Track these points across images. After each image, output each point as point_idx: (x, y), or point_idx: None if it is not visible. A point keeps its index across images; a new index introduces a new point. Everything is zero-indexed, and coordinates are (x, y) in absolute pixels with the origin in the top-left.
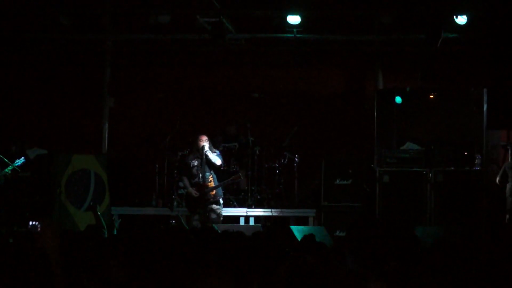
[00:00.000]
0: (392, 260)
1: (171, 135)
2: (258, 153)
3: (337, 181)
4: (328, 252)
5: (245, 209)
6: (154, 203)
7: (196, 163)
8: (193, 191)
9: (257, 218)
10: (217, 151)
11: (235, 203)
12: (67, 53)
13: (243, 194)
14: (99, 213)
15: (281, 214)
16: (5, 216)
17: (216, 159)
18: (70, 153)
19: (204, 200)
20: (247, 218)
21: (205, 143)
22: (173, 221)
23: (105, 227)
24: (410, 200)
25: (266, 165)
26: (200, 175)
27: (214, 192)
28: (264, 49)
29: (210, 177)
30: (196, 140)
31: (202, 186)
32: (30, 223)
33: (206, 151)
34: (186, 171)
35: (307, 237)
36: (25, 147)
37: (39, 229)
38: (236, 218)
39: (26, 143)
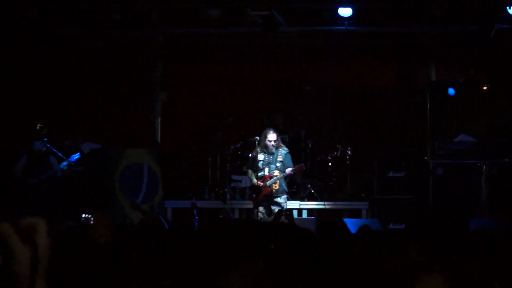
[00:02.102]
0: (455, 252)
1: (223, 129)
2: (310, 146)
3: (390, 174)
4: (387, 241)
5: (298, 202)
6: (207, 196)
7: (263, 157)
8: (257, 183)
9: (310, 211)
10: (285, 148)
11: (288, 196)
12: (119, 49)
13: (296, 187)
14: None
15: (334, 207)
16: (59, 211)
17: (289, 166)
18: (123, 148)
19: (268, 191)
20: (300, 211)
21: (276, 138)
22: (221, 215)
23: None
24: (464, 193)
25: (318, 158)
26: (266, 169)
27: (277, 184)
28: (315, 42)
29: (276, 171)
30: (264, 137)
31: (267, 178)
32: (83, 216)
33: (280, 155)
34: (252, 164)
35: (363, 228)
36: (79, 142)
37: (91, 222)
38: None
39: (79, 137)
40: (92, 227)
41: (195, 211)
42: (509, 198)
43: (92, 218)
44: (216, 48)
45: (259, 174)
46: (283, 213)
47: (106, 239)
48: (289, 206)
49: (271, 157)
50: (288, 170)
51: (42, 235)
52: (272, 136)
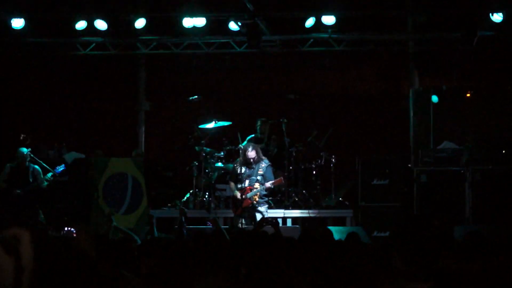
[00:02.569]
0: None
1: (207, 138)
2: (294, 154)
3: (374, 181)
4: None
5: (282, 210)
6: (191, 205)
7: (243, 170)
8: (238, 194)
9: (294, 219)
10: (266, 161)
11: (272, 204)
12: (103, 58)
13: (280, 195)
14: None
15: (318, 215)
16: (43, 221)
17: (270, 179)
18: (107, 157)
19: (248, 203)
20: (284, 219)
21: (254, 155)
22: (209, 223)
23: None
24: (448, 200)
25: (302, 166)
26: (247, 181)
27: (257, 196)
28: (299, 50)
29: (256, 183)
30: (246, 151)
31: (247, 190)
32: (65, 228)
33: (261, 169)
34: (233, 176)
35: (351, 235)
36: (63, 152)
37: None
38: None
39: (63, 147)
40: (74, 239)
41: (183, 218)
42: (493, 204)
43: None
44: (199, 57)
45: (239, 186)
46: (270, 220)
47: (90, 252)
48: (273, 215)
49: (252, 170)
50: (268, 184)
51: (26, 246)
52: (251, 154)
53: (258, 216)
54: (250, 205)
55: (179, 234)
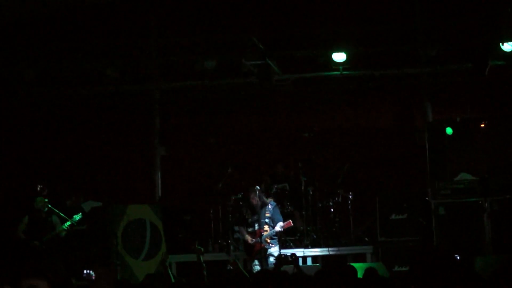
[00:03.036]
0: None
1: (223, 180)
2: (311, 192)
3: (393, 216)
4: (392, 286)
5: (302, 249)
6: (210, 248)
7: (251, 215)
8: (249, 238)
9: (314, 258)
10: (272, 203)
11: (291, 244)
12: (116, 105)
13: (299, 234)
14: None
15: (338, 253)
16: (64, 270)
17: (278, 220)
18: (125, 204)
19: (260, 246)
20: (304, 258)
21: (257, 201)
22: (230, 266)
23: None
24: (467, 231)
25: (320, 204)
26: (256, 225)
27: (269, 239)
28: (311, 89)
29: (265, 226)
30: (249, 198)
31: (257, 234)
32: (85, 272)
33: (268, 211)
34: (242, 221)
35: (369, 271)
36: (80, 201)
37: (93, 277)
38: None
39: (80, 196)
40: (94, 283)
41: (201, 258)
42: None
43: (93, 274)
44: (212, 100)
45: (249, 229)
46: (288, 258)
47: None
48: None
49: (259, 214)
50: (278, 227)
51: None
52: (254, 200)
53: (271, 259)
54: (262, 248)
55: (200, 277)
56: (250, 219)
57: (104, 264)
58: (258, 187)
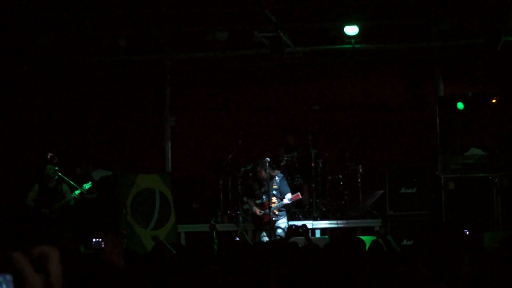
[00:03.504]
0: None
1: (233, 151)
2: (321, 165)
3: (402, 190)
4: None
5: (310, 221)
6: (219, 219)
7: (258, 187)
8: (257, 210)
9: (323, 230)
10: (279, 174)
11: (300, 216)
12: (127, 75)
13: (308, 207)
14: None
15: (347, 225)
16: (73, 238)
17: (286, 191)
18: (135, 173)
19: (268, 218)
20: (313, 230)
21: (265, 174)
22: (238, 238)
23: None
24: (476, 206)
25: (329, 177)
26: (265, 197)
27: (277, 211)
28: (322, 61)
29: (273, 198)
30: (256, 171)
31: (266, 206)
32: (94, 240)
33: (275, 184)
34: (251, 194)
35: (374, 244)
36: (90, 169)
37: (102, 245)
38: None
39: (90, 165)
40: (104, 251)
41: (214, 234)
42: None
43: (103, 242)
44: (224, 71)
45: (257, 201)
46: (299, 229)
47: (120, 263)
48: None
49: (266, 186)
50: (286, 200)
51: (54, 263)
52: (261, 173)
53: (279, 231)
54: (270, 220)
55: (209, 249)
56: (258, 191)
57: (113, 230)
58: (268, 159)
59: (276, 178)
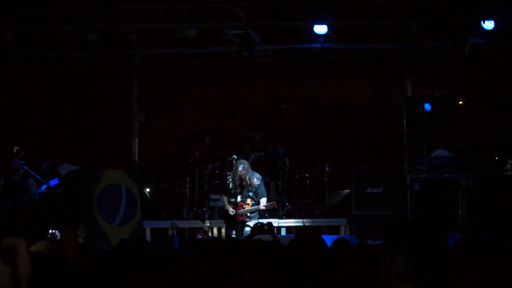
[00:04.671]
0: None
1: (201, 148)
2: (288, 163)
3: (368, 190)
4: (361, 255)
5: (276, 220)
6: (185, 216)
7: (236, 186)
8: (230, 209)
9: (288, 229)
10: (258, 176)
11: (266, 214)
12: (96, 70)
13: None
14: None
15: (313, 224)
16: (38, 233)
17: (262, 195)
18: (101, 169)
19: (241, 219)
20: (278, 229)
21: (244, 174)
22: (199, 235)
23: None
24: (441, 207)
25: (296, 176)
26: (239, 197)
27: (249, 212)
28: (291, 60)
29: (248, 199)
30: (236, 170)
31: (239, 206)
32: (50, 231)
33: (252, 185)
34: (225, 190)
35: (339, 241)
36: (56, 164)
37: (58, 237)
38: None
39: (57, 160)
40: (59, 242)
41: (175, 232)
42: (487, 212)
43: (58, 235)
44: (193, 68)
45: (232, 199)
46: (265, 226)
47: (74, 259)
48: None
49: (244, 186)
50: (261, 206)
51: (22, 255)
52: (241, 172)
53: (247, 229)
54: (242, 221)
55: (170, 246)
56: (233, 190)
57: (71, 225)
58: (235, 156)
59: (255, 179)
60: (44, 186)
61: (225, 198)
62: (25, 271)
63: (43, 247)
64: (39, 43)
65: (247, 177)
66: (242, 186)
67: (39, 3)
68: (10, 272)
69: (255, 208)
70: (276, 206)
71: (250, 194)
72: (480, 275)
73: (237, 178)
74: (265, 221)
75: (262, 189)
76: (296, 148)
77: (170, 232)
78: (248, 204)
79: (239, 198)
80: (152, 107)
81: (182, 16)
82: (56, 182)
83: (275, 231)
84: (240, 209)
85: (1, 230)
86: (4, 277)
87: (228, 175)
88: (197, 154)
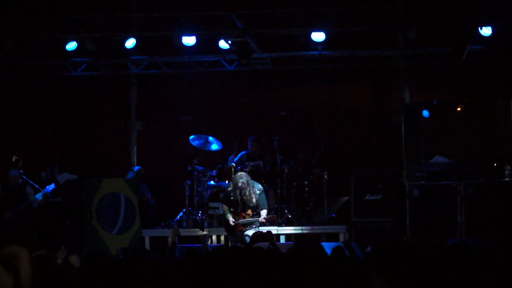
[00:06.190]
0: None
1: (199, 156)
2: (286, 171)
3: (367, 197)
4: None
5: (275, 227)
6: (184, 224)
7: (236, 196)
8: (231, 219)
9: (287, 236)
10: (259, 186)
11: (267, 224)
12: (94, 79)
13: (272, 212)
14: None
15: (312, 231)
16: (37, 242)
17: (263, 206)
18: (100, 178)
19: (241, 229)
20: (277, 236)
21: (245, 185)
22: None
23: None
24: (440, 214)
25: (295, 183)
26: (240, 207)
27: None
28: (289, 68)
29: (249, 210)
30: (235, 181)
31: (240, 215)
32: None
33: (253, 195)
34: (225, 200)
35: (337, 250)
36: (55, 173)
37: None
38: None
39: (55, 169)
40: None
41: (176, 239)
42: (486, 218)
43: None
44: (191, 76)
45: (231, 209)
46: (264, 235)
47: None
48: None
49: (245, 196)
50: (261, 218)
51: (24, 263)
52: (242, 187)
53: (246, 238)
54: (243, 230)
55: (171, 255)
56: (234, 199)
57: (77, 238)
58: (233, 164)
59: (256, 190)
60: (41, 193)
61: (225, 208)
62: (26, 279)
63: (75, 262)
64: (38, 52)
65: (247, 192)
66: (244, 201)
67: (37, 12)
68: (12, 279)
69: (255, 219)
70: (275, 219)
71: (251, 205)
72: (477, 282)
73: (237, 193)
74: (264, 229)
75: (263, 200)
76: (295, 155)
77: (171, 239)
78: (248, 214)
79: (239, 208)
80: (151, 116)
81: (179, 24)
82: (53, 187)
83: (274, 239)
84: (240, 219)
85: (3, 238)
86: (7, 284)
87: (228, 184)
88: (196, 162)
